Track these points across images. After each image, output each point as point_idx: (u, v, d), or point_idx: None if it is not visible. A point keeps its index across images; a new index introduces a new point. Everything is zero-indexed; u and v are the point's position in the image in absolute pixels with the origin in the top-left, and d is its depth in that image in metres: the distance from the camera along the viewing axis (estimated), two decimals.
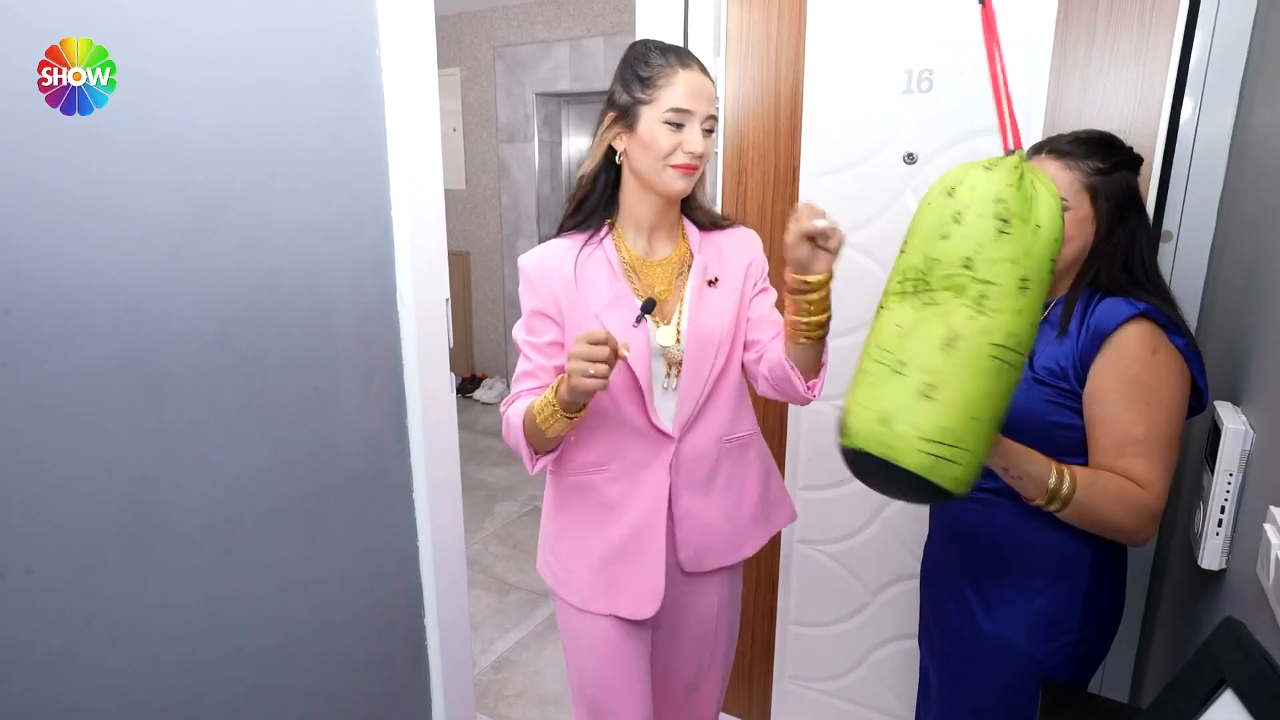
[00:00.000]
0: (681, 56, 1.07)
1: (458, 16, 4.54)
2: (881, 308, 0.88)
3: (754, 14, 1.58)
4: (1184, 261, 1.29)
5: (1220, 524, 0.94)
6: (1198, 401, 1.01)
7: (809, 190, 1.56)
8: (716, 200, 1.70)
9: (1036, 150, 1.09)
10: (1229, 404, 1.00)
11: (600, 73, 4.13)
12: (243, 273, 0.99)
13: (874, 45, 1.44)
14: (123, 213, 0.86)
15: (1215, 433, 0.97)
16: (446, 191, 4.84)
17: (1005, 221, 0.79)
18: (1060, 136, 1.09)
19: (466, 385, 4.90)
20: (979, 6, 0.92)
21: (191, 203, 0.93)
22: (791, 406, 1.67)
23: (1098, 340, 1.00)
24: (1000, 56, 0.89)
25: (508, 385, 4.89)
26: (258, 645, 1.09)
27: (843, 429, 0.86)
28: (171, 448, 0.94)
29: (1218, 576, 0.98)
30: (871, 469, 0.83)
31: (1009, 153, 0.83)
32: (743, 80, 1.62)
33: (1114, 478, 0.98)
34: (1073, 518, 0.98)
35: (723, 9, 1.62)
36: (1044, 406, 1.03)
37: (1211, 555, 0.95)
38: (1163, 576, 1.35)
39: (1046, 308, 1.11)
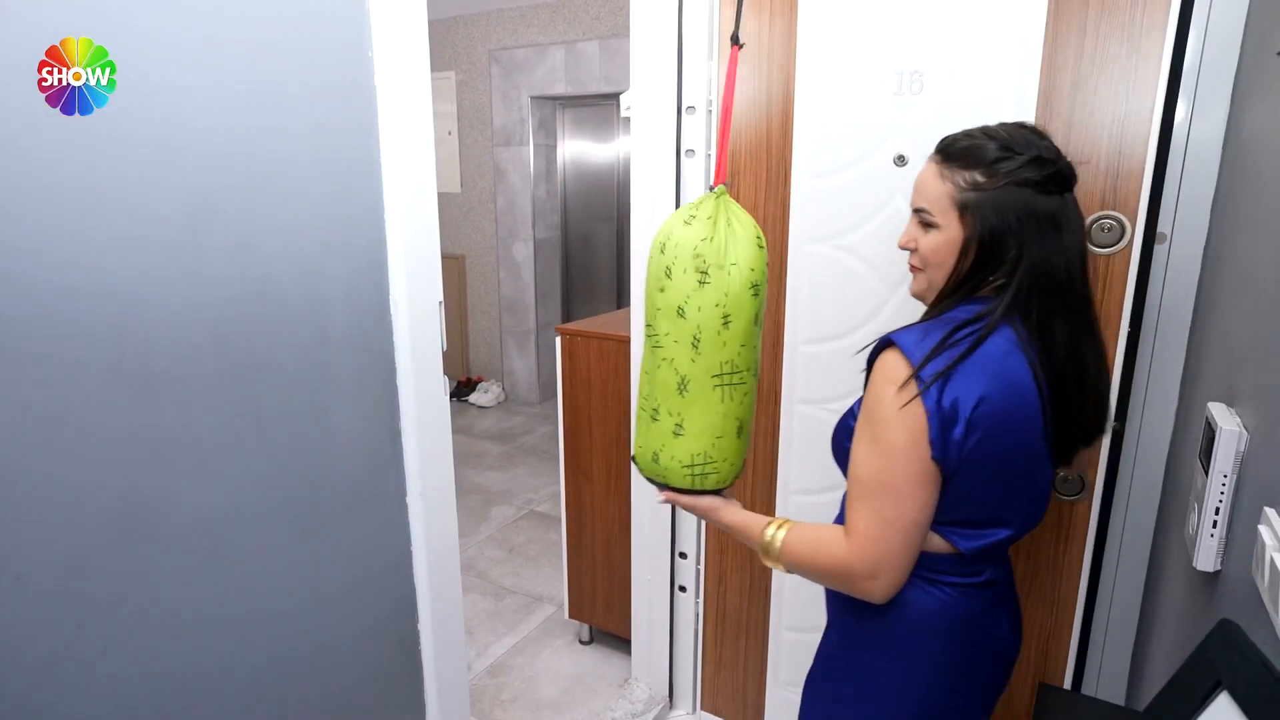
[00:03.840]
0: None
1: (453, 20, 4.54)
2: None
3: (746, 15, 1.57)
4: (1177, 263, 1.29)
5: (1215, 525, 0.93)
6: (940, 455, 0.87)
7: (800, 193, 1.55)
8: None
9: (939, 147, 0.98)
10: (1223, 405, 1.00)
11: (596, 76, 4.13)
12: (236, 276, 0.99)
13: (864, 46, 1.44)
14: (119, 215, 0.86)
15: (1210, 434, 0.97)
16: (442, 194, 4.84)
17: (704, 273, 0.95)
18: (963, 134, 0.95)
19: (462, 389, 4.89)
20: (731, 46, 1.09)
21: (187, 205, 0.92)
22: (783, 411, 1.67)
23: (871, 365, 0.94)
24: (731, 95, 1.07)
25: (503, 388, 4.90)
26: (250, 651, 1.08)
27: (635, 461, 1.11)
28: (164, 452, 0.93)
29: (1213, 578, 0.98)
30: (662, 486, 1.08)
31: (712, 188, 1.00)
32: (737, 80, 1.61)
33: (823, 532, 0.96)
34: (797, 573, 0.99)
35: (716, 11, 1.62)
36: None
37: (1206, 557, 0.95)
38: (1158, 578, 1.35)
39: None
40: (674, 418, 1.02)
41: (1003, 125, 0.95)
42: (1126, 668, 1.45)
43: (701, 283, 0.96)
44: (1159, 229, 1.29)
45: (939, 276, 0.97)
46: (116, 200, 0.85)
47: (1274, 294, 0.87)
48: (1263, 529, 0.76)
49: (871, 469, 0.90)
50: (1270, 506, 0.77)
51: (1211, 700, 0.69)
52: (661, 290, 0.99)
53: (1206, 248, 1.27)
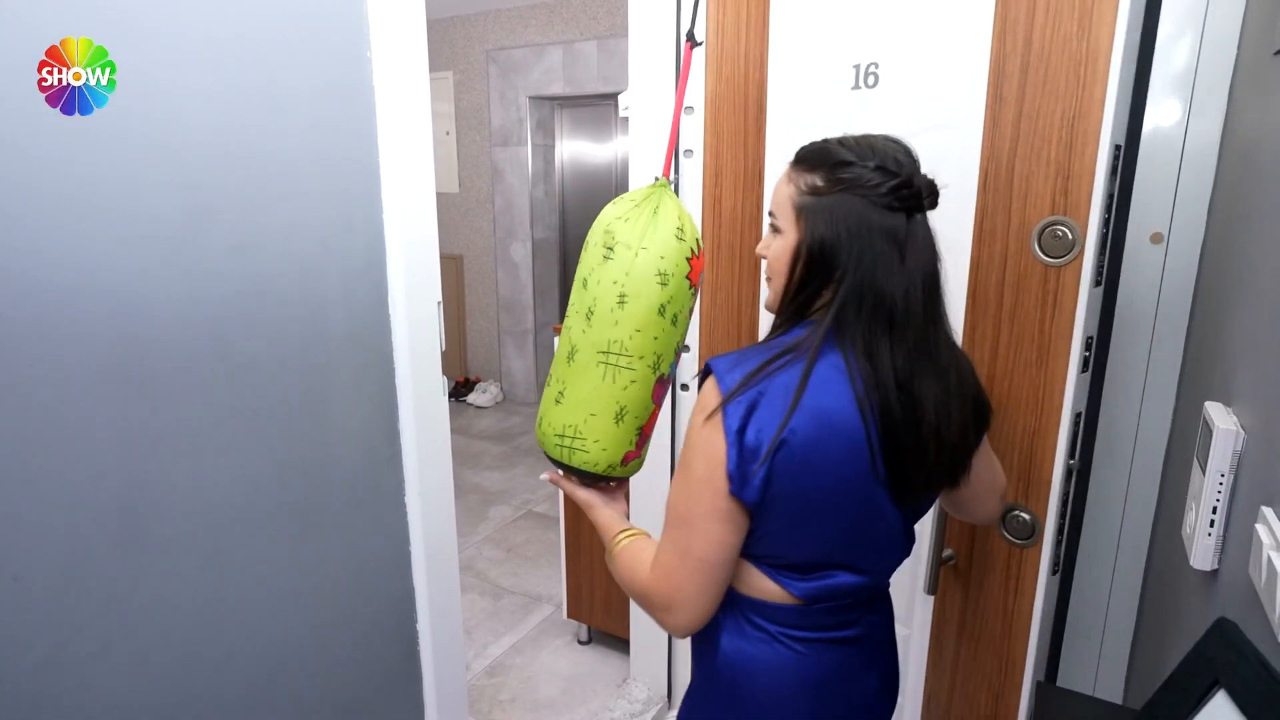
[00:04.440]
0: None
1: (450, 20, 4.54)
2: None
3: (727, 13, 1.56)
4: (1174, 263, 1.30)
5: (1212, 524, 0.94)
6: (739, 490, 0.81)
7: (772, 191, 1.54)
8: (697, 203, 1.70)
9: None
10: (1220, 405, 1.00)
11: (593, 76, 4.13)
12: (234, 276, 0.99)
13: (825, 39, 1.41)
14: (119, 214, 0.86)
15: (1207, 433, 0.97)
16: (440, 195, 4.83)
17: (610, 249, 0.96)
18: (821, 140, 0.89)
19: (460, 389, 4.89)
20: (686, 44, 1.13)
21: (186, 205, 0.92)
22: None
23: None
24: (682, 92, 1.07)
25: (501, 389, 4.90)
26: (248, 650, 1.08)
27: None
28: (162, 452, 0.93)
29: (1210, 577, 0.98)
30: (556, 464, 1.04)
31: (656, 179, 1.02)
32: (719, 80, 1.60)
33: (644, 555, 0.91)
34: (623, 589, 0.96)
35: (702, 8, 1.61)
36: None
37: (1203, 555, 0.95)
38: (1155, 576, 1.35)
39: None
40: (559, 385, 1.01)
41: (866, 135, 0.87)
42: (1124, 666, 1.46)
43: (606, 257, 0.96)
44: (1155, 229, 1.29)
45: (780, 287, 0.90)
46: (116, 200, 0.85)
47: (1271, 294, 0.87)
48: (1259, 528, 0.76)
49: (675, 498, 0.87)
50: (1267, 506, 0.77)
51: (1209, 699, 0.69)
52: (580, 262, 1.02)
53: (1203, 247, 1.27)
